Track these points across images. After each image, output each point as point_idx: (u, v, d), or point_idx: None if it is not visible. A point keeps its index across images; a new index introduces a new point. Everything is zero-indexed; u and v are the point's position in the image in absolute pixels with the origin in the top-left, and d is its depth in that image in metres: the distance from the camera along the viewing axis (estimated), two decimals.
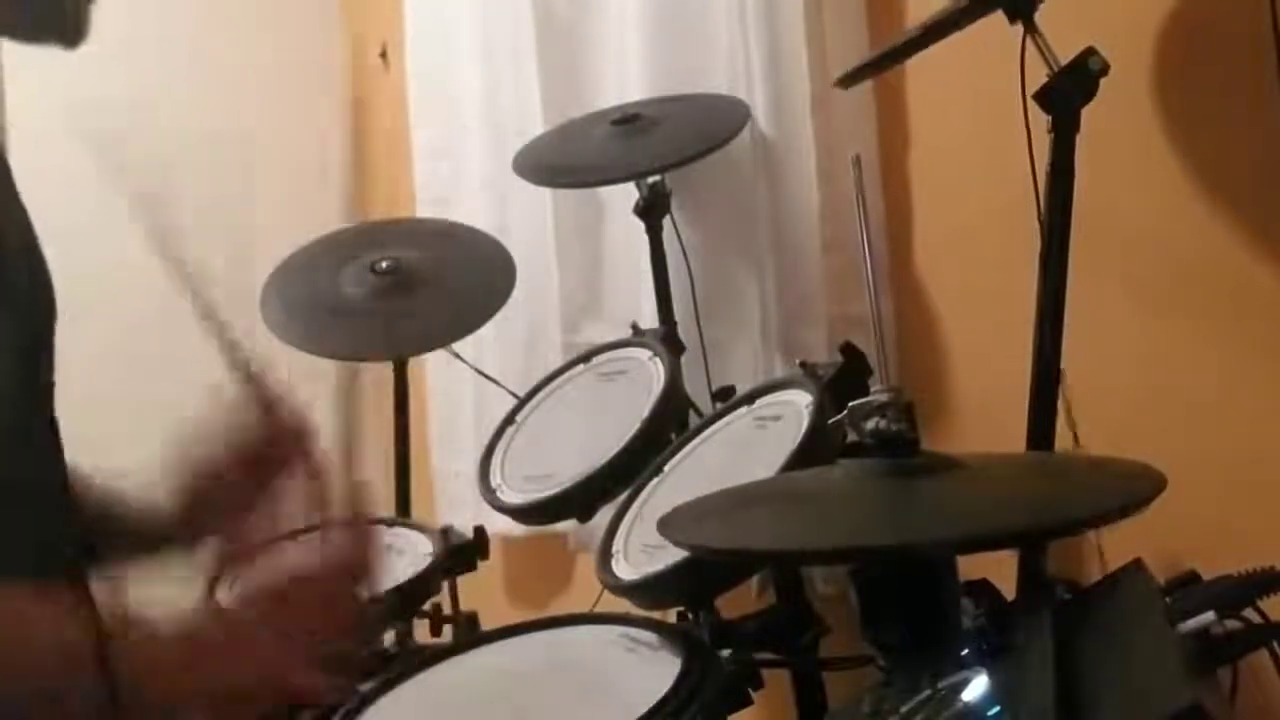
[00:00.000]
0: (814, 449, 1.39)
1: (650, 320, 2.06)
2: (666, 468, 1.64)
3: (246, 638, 0.92)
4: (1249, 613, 1.09)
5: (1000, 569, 1.29)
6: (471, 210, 2.52)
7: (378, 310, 2.13)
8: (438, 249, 2.24)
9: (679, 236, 2.10)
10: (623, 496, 1.63)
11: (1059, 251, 1.43)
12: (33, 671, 0.84)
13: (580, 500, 1.72)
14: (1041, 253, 1.44)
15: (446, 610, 1.95)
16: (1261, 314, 1.57)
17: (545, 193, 2.31)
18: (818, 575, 1.84)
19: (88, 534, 1.00)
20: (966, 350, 1.96)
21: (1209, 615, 1.05)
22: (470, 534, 1.82)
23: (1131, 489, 0.94)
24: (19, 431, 0.95)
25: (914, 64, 1.82)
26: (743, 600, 1.68)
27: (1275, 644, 1.08)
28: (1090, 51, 1.40)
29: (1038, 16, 1.44)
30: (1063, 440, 1.51)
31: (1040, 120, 1.43)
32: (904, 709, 1.02)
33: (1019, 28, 1.45)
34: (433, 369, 2.66)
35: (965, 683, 1.02)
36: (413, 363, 2.36)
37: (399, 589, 1.66)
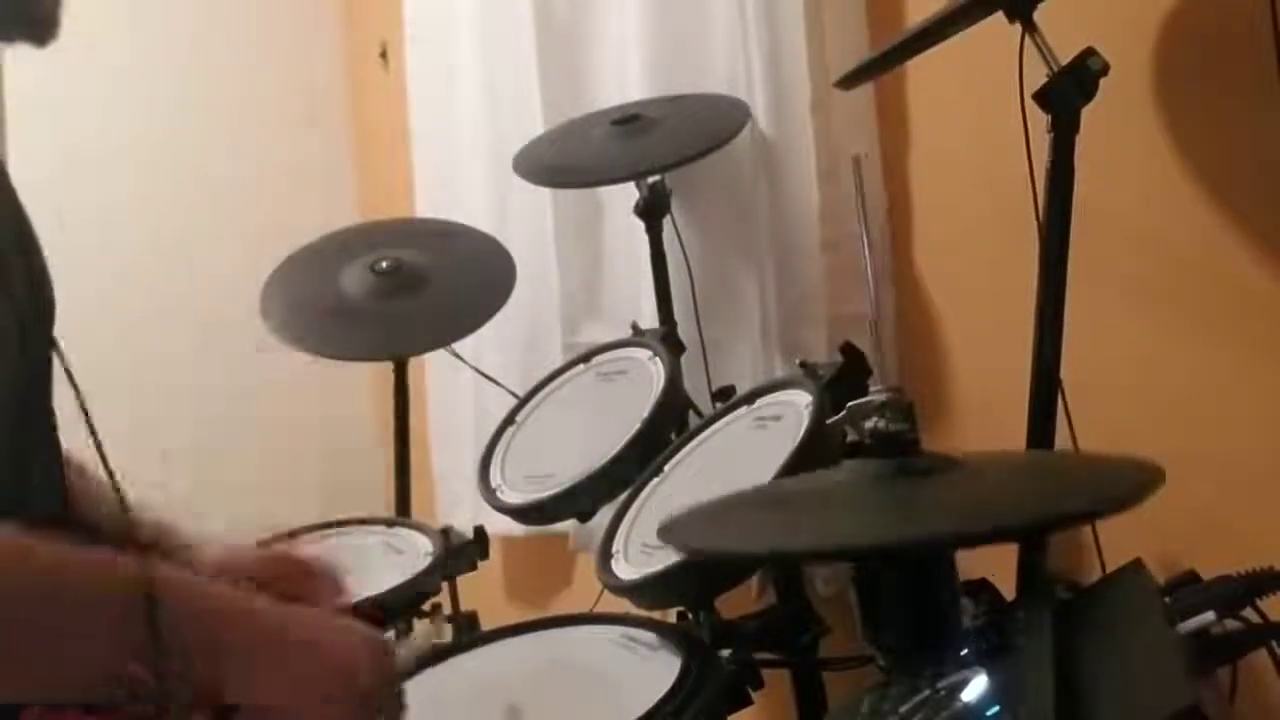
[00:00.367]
0: (814, 449, 1.39)
1: (650, 320, 2.06)
2: (666, 468, 1.64)
3: None
4: (1248, 613, 1.10)
5: (1000, 569, 1.29)
6: (471, 210, 2.51)
7: (378, 310, 2.13)
8: (438, 249, 2.24)
9: (679, 236, 2.10)
10: (623, 496, 1.63)
11: (1059, 251, 1.43)
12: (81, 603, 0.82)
13: (580, 500, 1.72)
14: (1041, 252, 1.44)
15: (447, 610, 1.95)
16: (1261, 314, 1.57)
17: (545, 193, 2.31)
18: (818, 575, 1.84)
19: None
20: (966, 350, 1.96)
21: (1208, 615, 1.06)
22: (470, 534, 1.82)
23: (1129, 482, 0.94)
24: (18, 431, 0.95)
25: (914, 64, 1.82)
26: (743, 600, 1.68)
27: (1274, 644, 1.09)
28: (1090, 51, 1.40)
29: (1037, 16, 1.44)
30: (1062, 439, 1.51)
31: (1040, 120, 1.43)
32: (904, 709, 1.02)
33: (1018, 28, 1.45)
34: (433, 369, 2.66)
35: (965, 683, 1.02)
36: (413, 363, 2.36)
37: (399, 589, 1.66)
